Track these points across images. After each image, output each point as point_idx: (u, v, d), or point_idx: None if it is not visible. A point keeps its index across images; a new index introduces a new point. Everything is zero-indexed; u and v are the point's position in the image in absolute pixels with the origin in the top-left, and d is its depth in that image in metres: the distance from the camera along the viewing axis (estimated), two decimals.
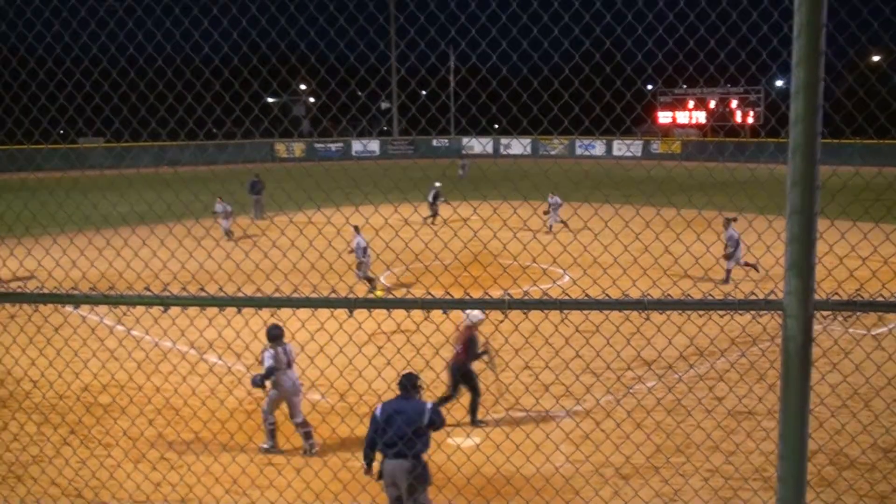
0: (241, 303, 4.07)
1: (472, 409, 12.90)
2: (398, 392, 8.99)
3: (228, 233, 31.11)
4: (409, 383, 8.96)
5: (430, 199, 34.09)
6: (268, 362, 11.61)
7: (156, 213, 15.40)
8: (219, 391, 12.84)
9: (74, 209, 14.70)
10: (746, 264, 22.47)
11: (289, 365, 11.80)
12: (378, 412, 8.84)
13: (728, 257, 22.74)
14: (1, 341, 9.27)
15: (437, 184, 34.82)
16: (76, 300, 4.27)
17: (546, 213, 32.38)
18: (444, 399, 12.70)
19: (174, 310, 4.37)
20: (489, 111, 6.48)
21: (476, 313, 12.45)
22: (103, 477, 10.26)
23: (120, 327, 17.61)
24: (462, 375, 12.83)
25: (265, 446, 11.96)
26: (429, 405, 8.90)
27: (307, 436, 11.83)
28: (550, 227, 32.34)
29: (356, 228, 20.65)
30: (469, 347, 12.74)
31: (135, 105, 8.03)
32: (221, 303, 4.18)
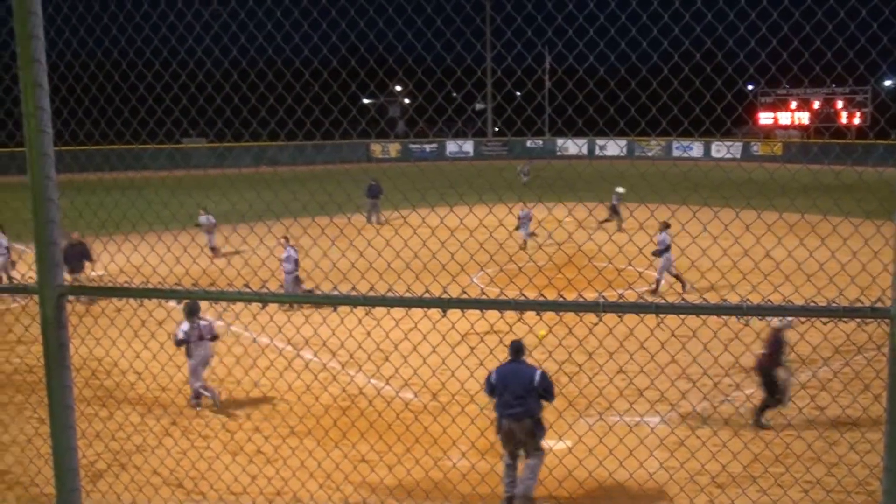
0: (336, 301, 4.12)
1: (761, 408, 12.94)
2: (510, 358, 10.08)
3: (214, 248, 28.65)
4: (518, 349, 10.08)
5: (613, 202, 32.84)
6: (179, 335, 13.72)
7: (255, 212, 15.72)
8: (314, 387, 13.05)
9: (178, 207, 15.13)
10: (677, 276, 22.10)
11: (200, 338, 13.77)
12: (493, 377, 10.02)
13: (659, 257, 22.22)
14: (108, 334, 9.61)
15: (621, 189, 33.15)
16: (179, 295, 4.39)
17: (517, 228, 29.14)
18: (767, 406, 12.85)
19: (272, 306, 4.46)
20: (585, 112, 6.41)
21: (785, 319, 12.51)
22: (202, 468, 10.55)
23: (220, 323, 18.07)
24: (765, 376, 12.91)
25: (194, 402, 13.75)
26: (538, 370, 9.95)
27: (196, 395, 13.73)
28: (525, 241, 29.12)
29: None
30: (775, 351, 12.82)
31: (237, 106, 8.22)
32: (317, 300, 4.26)
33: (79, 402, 12.59)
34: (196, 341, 13.76)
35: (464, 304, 4.19)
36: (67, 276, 17.99)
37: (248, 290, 4.28)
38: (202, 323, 13.87)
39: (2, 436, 11.90)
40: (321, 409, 12.40)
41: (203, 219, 29.62)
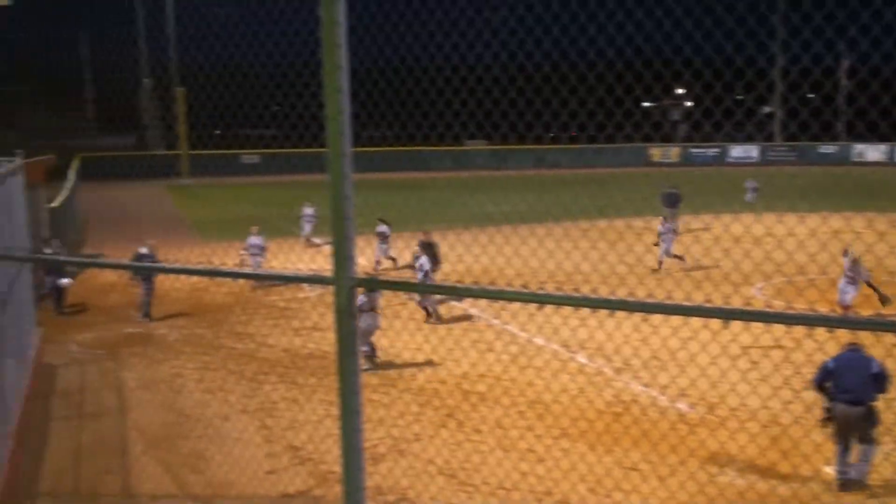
0: (613, 305, 4.06)
1: None
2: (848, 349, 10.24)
3: (310, 241, 28.90)
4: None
5: None
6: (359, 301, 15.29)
7: (535, 214, 15.94)
8: (588, 391, 13.02)
9: (461, 207, 15.65)
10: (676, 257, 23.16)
11: (372, 309, 15.02)
12: (831, 364, 10.15)
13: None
14: (393, 325, 10.11)
15: None
16: (459, 292, 4.53)
17: (655, 244, 25.19)
18: None
19: (548, 308, 4.49)
20: (890, 115, 5.90)
21: None
22: (475, 461, 10.84)
23: (497, 321, 18.48)
24: None
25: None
26: (876, 360, 10.05)
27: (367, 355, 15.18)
28: (660, 263, 24.07)
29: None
30: None
31: (521, 111, 8.37)
32: (594, 304, 4.21)
33: (364, 388, 13.37)
34: (368, 311, 15.11)
35: (747, 315, 4.00)
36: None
37: (525, 290, 4.33)
38: (375, 294, 15.24)
39: (297, 415, 12.89)
40: (594, 413, 12.34)
41: (308, 210, 29.93)
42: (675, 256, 24.18)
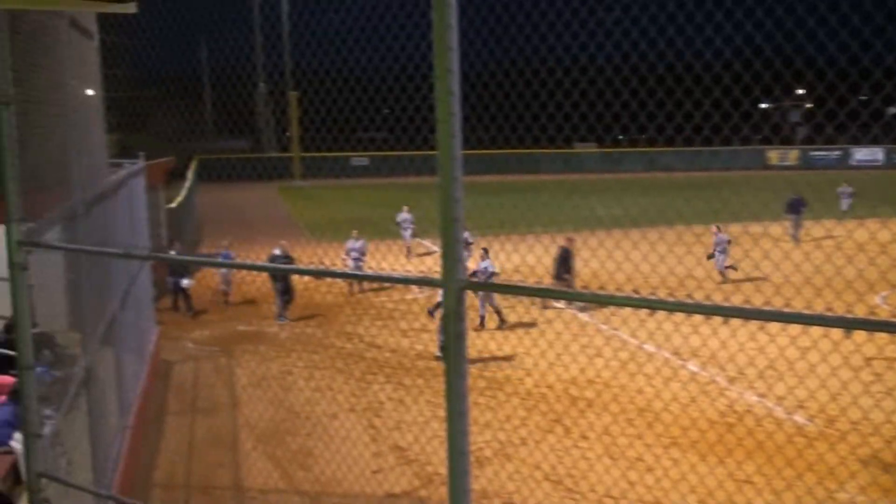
0: (727, 312, 3.96)
1: None
2: None
3: (410, 251, 28.59)
4: None
5: None
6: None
7: (648, 218, 15.70)
8: (700, 400, 12.76)
9: (572, 210, 15.55)
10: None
11: None
12: None
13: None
14: (502, 329, 10.10)
15: None
16: (569, 296, 4.49)
17: (709, 257, 23.48)
18: None
19: (660, 314, 4.41)
20: None
21: None
22: (582, 468, 10.75)
23: (606, 327, 18.28)
24: None
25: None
26: None
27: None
28: (723, 274, 23.42)
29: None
30: None
31: (634, 112, 8.26)
32: (707, 311, 4.10)
33: (472, 391, 13.43)
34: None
35: (871, 325, 3.84)
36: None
37: (635, 295, 4.27)
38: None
39: (404, 415, 13.03)
40: (706, 423, 12.07)
41: (404, 216, 29.21)
42: (728, 267, 23.23)
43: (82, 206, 8.07)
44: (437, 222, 4.05)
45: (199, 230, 36.22)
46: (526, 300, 18.21)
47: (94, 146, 10.09)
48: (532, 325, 17.93)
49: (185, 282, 21.17)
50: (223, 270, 21.75)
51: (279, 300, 20.15)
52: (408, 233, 29.40)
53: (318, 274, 5.46)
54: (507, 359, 15.62)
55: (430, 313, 18.33)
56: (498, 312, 18.01)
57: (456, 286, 4.13)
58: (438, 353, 16.75)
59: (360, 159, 66.64)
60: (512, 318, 17.57)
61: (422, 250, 28.37)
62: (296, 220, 39.32)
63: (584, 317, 19.30)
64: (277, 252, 20.45)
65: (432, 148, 4.17)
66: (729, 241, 23.39)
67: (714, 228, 23.69)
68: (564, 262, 19.72)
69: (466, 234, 28.04)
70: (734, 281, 22.08)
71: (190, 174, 39.77)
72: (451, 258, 4.10)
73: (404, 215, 29.34)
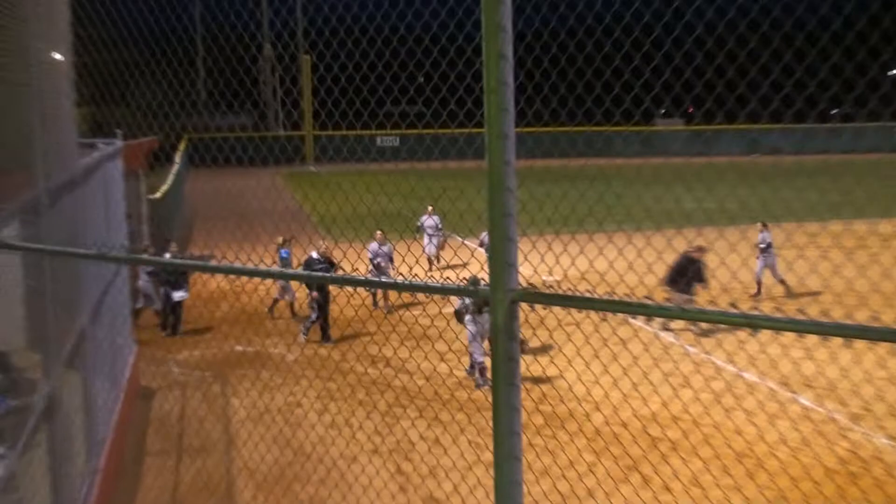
0: (849, 332, 3.89)
1: None
2: None
3: (434, 258, 29.26)
4: None
5: None
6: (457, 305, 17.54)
7: (748, 213, 15.60)
8: (815, 443, 12.64)
9: (654, 203, 15.49)
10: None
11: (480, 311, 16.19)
12: None
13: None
14: (564, 352, 10.11)
15: None
16: (649, 311, 4.46)
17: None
18: None
19: (764, 334, 4.36)
20: None
21: None
22: None
23: (695, 349, 18.18)
24: None
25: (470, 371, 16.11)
26: None
27: (475, 368, 16.71)
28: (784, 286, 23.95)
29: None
30: None
31: (730, 82, 8.20)
32: (825, 331, 4.00)
33: (526, 429, 13.42)
34: (475, 314, 16.88)
35: None
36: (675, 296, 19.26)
37: (733, 310, 4.24)
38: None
39: (440, 459, 13.04)
40: (822, 472, 11.96)
41: (428, 220, 28.95)
42: (782, 282, 23.28)
43: (46, 195, 8.17)
44: (485, 218, 4.06)
45: (188, 225, 36.56)
46: (594, 315, 18.11)
47: (61, 122, 10.23)
48: (602, 345, 17.88)
49: (178, 294, 21.27)
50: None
51: (313, 314, 20.35)
52: (433, 243, 28.97)
53: (344, 283, 5.48)
54: (570, 388, 15.58)
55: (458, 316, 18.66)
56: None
57: (508, 297, 4.13)
58: (468, 370, 17.58)
59: (388, 139, 66.92)
60: (577, 337, 17.51)
61: (451, 257, 28.30)
62: (308, 212, 39.56)
63: (667, 337, 19.18)
64: (315, 255, 20.50)
65: (478, 125, 4.18)
66: (770, 245, 23.19)
67: (759, 226, 23.43)
68: (690, 273, 19.64)
69: (437, 219, 27.72)
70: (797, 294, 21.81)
71: (178, 157, 40.14)
72: (501, 261, 4.10)
73: (429, 220, 29.01)
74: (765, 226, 23.57)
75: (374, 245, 23.87)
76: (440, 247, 28.86)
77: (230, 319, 21.87)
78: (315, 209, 40.39)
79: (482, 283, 4.46)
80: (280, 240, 22.77)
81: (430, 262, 28.87)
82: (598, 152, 59.80)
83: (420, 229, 28.87)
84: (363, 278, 5.28)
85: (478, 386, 17.03)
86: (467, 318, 17.35)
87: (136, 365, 16.63)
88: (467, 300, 16.43)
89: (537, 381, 15.96)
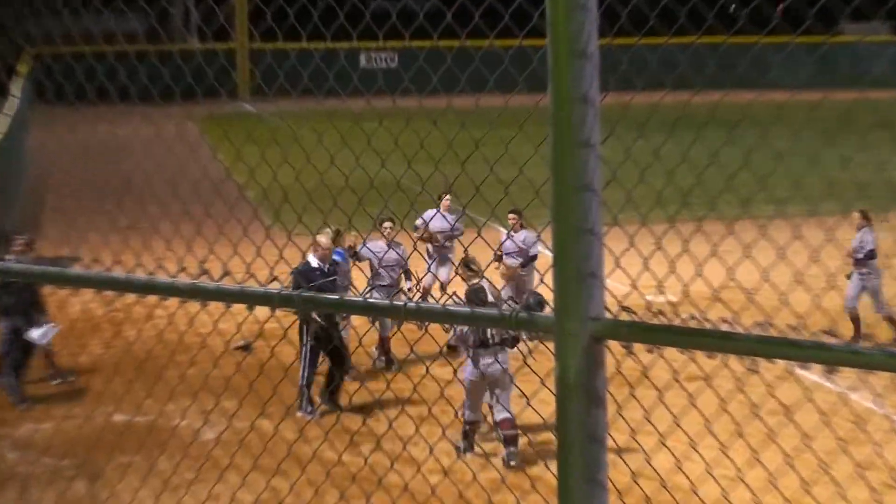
0: None
1: None
2: None
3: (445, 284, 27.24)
4: None
5: None
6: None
7: None
8: None
9: (840, 170, 15.64)
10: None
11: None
12: None
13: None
14: (682, 426, 10.17)
15: None
16: (828, 357, 4.47)
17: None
18: None
19: None
20: None
21: None
22: None
23: (831, 385, 18.32)
24: None
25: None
26: None
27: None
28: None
29: None
30: None
31: None
32: None
33: None
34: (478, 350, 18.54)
35: None
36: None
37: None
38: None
39: None
40: None
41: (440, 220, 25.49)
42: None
43: None
44: (544, 194, 4.06)
45: (33, 205, 36.61)
46: (735, 361, 18.10)
47: None
48: (749, 414, 17.85)
49: (35, 333, 20.75)
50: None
51: (305, 370, 20.43)
52: (444, 270, 27.16)
53: (325, 306, 5.52)
54: (694, 491, 15.60)
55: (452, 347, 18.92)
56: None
57: (585, 330, 4.11)
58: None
59: (380, 55, 66.89)
60: (706, 399, 17.47)
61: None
62: (240, 187, 39.61)
63: (864, 402, 19.25)
64: (315, 264, 20.31)
65: (534, 34, 4.16)
66: (872, 252, 23.52)
67: (857, 217, 23.66)
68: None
69: (451, 218, 27.11)
70: None
71: (16, 88, 40.30)
72: (573, 270, 4.07)
73: (439, 219, 26.07)
74: (865, 218, 23.47)
75: (376, 245, 22.75)
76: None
77: (106, 366, 21.75)
78: (253, 178, 40.58)
79: (546, 306, 4.42)
80: (330, 234, 21.21)
81: (442, 288, 26.98)
82: (744, 81, 59.96)
83: (422, 236, 25.47)
84: (360, 301, 5.31)
85: (459, 452, 18.37)
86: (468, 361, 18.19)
87: None
88: (465, 328, 17.22)
89: (621, 453, 15.87)
